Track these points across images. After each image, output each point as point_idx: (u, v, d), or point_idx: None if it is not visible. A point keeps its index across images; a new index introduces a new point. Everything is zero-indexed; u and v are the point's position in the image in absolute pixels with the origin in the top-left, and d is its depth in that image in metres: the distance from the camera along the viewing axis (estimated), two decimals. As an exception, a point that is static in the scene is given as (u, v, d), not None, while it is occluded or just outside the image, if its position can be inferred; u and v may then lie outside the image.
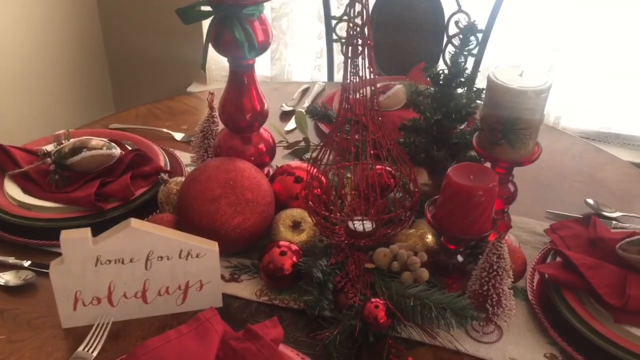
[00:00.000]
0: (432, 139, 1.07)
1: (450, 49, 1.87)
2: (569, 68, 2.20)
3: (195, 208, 0.96)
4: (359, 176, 0.95)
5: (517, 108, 0.89)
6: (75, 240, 0.83)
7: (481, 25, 1.73)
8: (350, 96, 0.90)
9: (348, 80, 0.89)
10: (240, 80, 1.05)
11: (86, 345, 0.86)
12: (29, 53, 2.32)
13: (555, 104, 2.26)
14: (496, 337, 0.90)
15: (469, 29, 1.02)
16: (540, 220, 1.14)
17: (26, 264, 0.98)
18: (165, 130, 1.37)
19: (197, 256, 0.88)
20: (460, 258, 0.95)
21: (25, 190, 1.10)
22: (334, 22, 1.82)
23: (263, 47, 1.01)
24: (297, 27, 2.55)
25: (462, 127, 1.12)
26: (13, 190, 1.10)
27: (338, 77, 2.03)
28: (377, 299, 0.86)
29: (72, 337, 0.88)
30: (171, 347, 0.77)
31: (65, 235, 0.83)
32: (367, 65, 0.89)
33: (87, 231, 0.84)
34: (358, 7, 0.87)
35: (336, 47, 1.88)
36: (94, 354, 0.85)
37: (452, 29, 1.81)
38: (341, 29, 1.84)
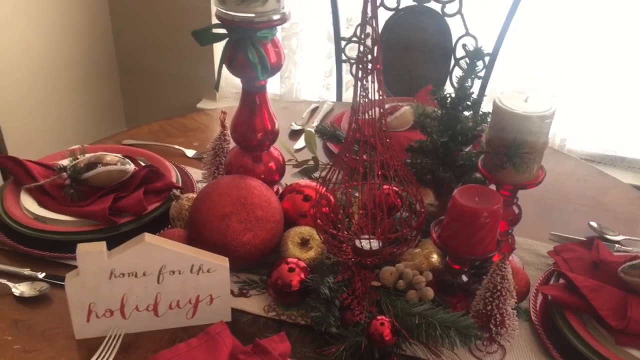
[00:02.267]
0: (439, 160, 1.09)
1: (457, 71, 1.91)
2: (575, 91, 2.23)
3: (207, 224, 0.98)
4: (366, 195, 0.98)
5: (521, 132, 0.91)
6: (91, 254, 0.86)
7: (488, 48, 1.78)
8: (359, 117, 0.93)
9: (357, 101, 0.92)
10: (253, 101, 1.08)
11: (98, 357, 0.88)
12: (42, 68, 2.36)
13: (561, 126, 2.29)
14: (499, 357, 0.92)
15: (475, 54, 1.04)
16: (545, 242, 1.16)
17: (41, 275, 1.01)
18: (176, 146, 1.40)
19: (207, 271, 0.91)
20: (464, 278, 0.97)
21: (41, 204, 1.13)
22: (343, 42, 1.87)
23: (275, 69, 1.04)
24: (307, 46, 2.59)
25: (468, 149, 1.14)
26: (29, 203, 1.13)
27: (347, 96, 2.06)
28: (383, 317, 0.88)
29: (85, 348, 0.90)
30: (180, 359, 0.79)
31: (82, 248, 0.86)
32: (376, 87, 0.91)
33: (103, 245, 0.86)
34: (368, 29, 0.89)
35: (345, 67, 1.92)
36: (106, 365, 0.87)
37: (460, 52, 1.85)
38: (350, 50, 1.88)
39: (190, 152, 1.38)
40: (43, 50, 2.35)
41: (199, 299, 0.93)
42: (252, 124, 1.09)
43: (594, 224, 1.20)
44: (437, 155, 1.10)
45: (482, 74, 1.80)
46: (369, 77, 0.91)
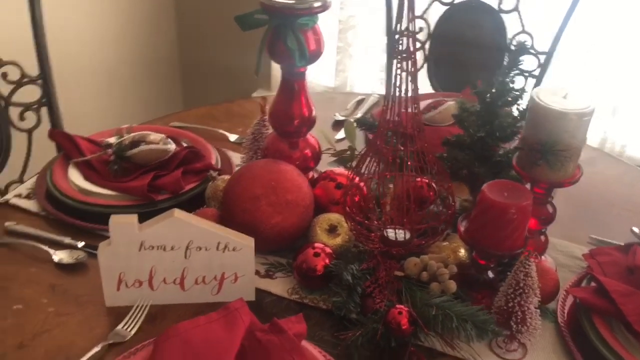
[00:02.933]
0: (475, 155, 1.08)
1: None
2: (637, 96, 2.14)
3: (237, 205, 1.01)
4: (399, 187, 0.98)
5: (557, 129, 0.89)
6: (123, 225, 0.89)
7: (544, 47, 1.73)
8: (391, 107, 0.93)
9: (391, 91, 0.92)
10: (291, 87, 1.09)
11: (125, 324, 0.92)
12: (109, 53, 2.45)
13: (621, 132, 2.20)
14: (520, 355, 0.90)
15: (519, 50, 1.02)
16: (582, 245, 1.13)
17: (80, 244, 1.06)
18: (220, 130, 1.43)
19: (233, 249, 0.93)
20: (490, 274, 0.96)
21: (87, 178, 1.18)
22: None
23: (314, 57, 1.05)
24: (363, 40, 2.59)
25: (506, 146, 1.12)
26: (75, 176, 1.19)
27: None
28: (402, 306, 0.88)
29: (114, 315, 0.94)
30: (199, 332, 0.82)
31: (115, 219, 0.89)
32: (409, 78, 0.91)
33: (134, 217, 0.90)
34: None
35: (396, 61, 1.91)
36: (132, 332, 0.91)
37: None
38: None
39: (233, 137, 1.41)
40: (111, 38, 2.43)
41: (224, 276, 0.95)
42: (290, 111, 1.10)
43: (636, 229, 1.16)
44: (473, 150, 1.09)
45: (536, 72, 1.76)
46: (404, 67, 0.91)
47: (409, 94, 0.91)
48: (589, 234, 1.16)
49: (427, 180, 1.08)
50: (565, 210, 1.24)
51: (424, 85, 2.04)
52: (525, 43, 1.03)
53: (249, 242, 0.94)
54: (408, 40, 0.88)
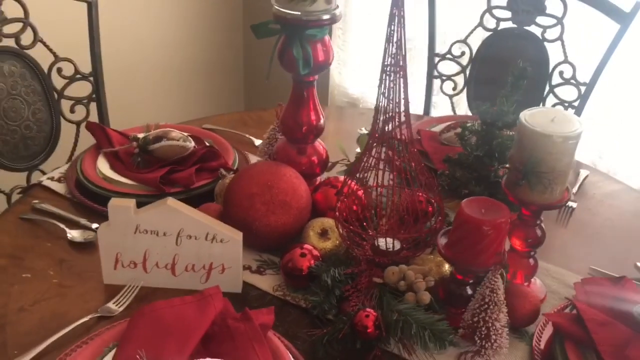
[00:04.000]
0: (473, 175, 1.09)
1: (551, 99, 1.85)
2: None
3: (234, 201, 1.06)
4: (398, 199, 1.01)
5: (539, 151, 0.90)
6: (120, 207, 0.97)
7: (586, 77, 1.71)
8: (381, 119, 0.96)
9: (380, 103, 0.95)
10: (300, 95, 1.15)
11: (116, 301, 0.99)
12: (178, 52, 2.57)
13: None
14: (485, 373, 0.90)
15: (520, 74, 1.03)
16: (582, 275, 1.11)
17: (94, 226, 1.14)
18: (247, 135, 1.50)
19: (221, 241, 0.99)
20: (469, 290, 0.96)
21: (112, 167, 1.28)
22: (436, 59, 1.88)
23: (322, 67, 1.10)
24: (420, 63, 2.61)
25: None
26: (103, 165, 1.28)
27: (434, 112, 2.06)
28: (371, 310, 0.91)
29: (110, 291, 1.01)
30: (173, 311, 0.88)
31: (113, 202, 0.97)
32: (401, 89, 0.94)
33: (132, 202, 0.97)
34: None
35: (436, 83, 1.93)
36: (120, 309, 0.98)
37: (556, 79, 1.79)
38: (442, 66, 1.89)
39: (258, 142, 1.48)
40: (182, 37, 2.55)
41: (212, 266, 1.01)
42: (299, 117, 1.16)
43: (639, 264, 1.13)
44: (472, 169, 1.10)
45: (576, 103, 1.73)
46: (395, 80, 0.94)
47: (398, 106, 0.94)
48: (591, 265, 1.14)
49: (425, 195, 1.10)
50: (573, 238, 1.23)
51: (463, 107, 2.05)
52: (528, 68, 1.03)
53: (236, 235, 0.99)
54: (397, 52, 0.91)
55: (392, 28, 0.90)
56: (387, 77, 0.93)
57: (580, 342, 0.90)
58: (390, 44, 0.91)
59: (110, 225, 0.98)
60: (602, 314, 0.92)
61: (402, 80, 0.93)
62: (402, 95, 0.95)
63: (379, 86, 0.94)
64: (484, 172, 1.07)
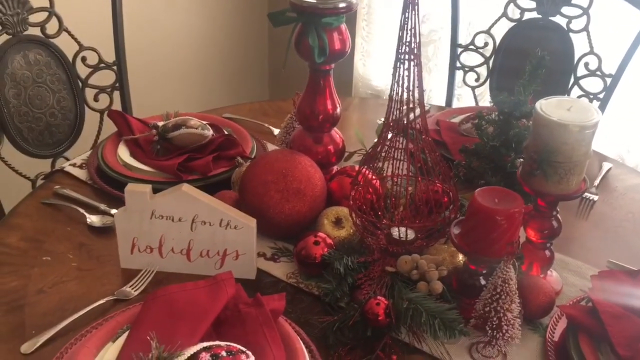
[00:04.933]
0: (490, 165, 1.08)
1: (576, 90, 1.82)
2: None
3: (249, 189, 1.07)
4: (418, 188, 1.01)
5: (555, 140, 0.89)
6: (136, 193, 0.98)
7: (611, 69, 1.68)
8: (395, 108, 0.96)
9: (394, 91, 0.95)
10: (317, 83, 1.15)
11: (132, 284, 1.01)
12: (202, 42, 2.59)
13: None
14: (497, 363, 0.90)
15: (538, 63, 1.01)
16: (600, 268, 1.09)
17: (113, 212, 1.16)
18: (267, 125, 1.51)
19: (235, 227, 0.99)
20: (482, 281, 0.96)
21: (132, 154, 1.30)
22: (459, 49, 1.87)
23: (338, 56, 1.10)
24: (444, 54, 2.59)
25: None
26: (123, 152, 1.30)
27: (458, 105, 2.04)
28: (382, 298, 0.91)
29: (126, 276, 1.03)
30: (185, 295, 0.89)
31: (130, 187, 0.99)
32: (415, 78, 0.94)
33: (148, 187, 0.99)
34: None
35: (458, 74, 1.91)
36: (136, 293, 0.99)
37: (581, 70, 1.77)
38: (465, 58, 1.87)
39: (276, 131, 1.48)
40: (194, 31, 2.56)
41: (227, 252, 1.02)
42: (315, 106, 1.16)
43: (660, 258, 1.10)
44: (490, 160, 1.09)
45: (601, 95, 1.70)
46: (408, 69, 0.93)
47: (412, 93, 0.93)
48: (610, 259, 1.12)
49: (441, 185, 1.09)
50: (593, 231, 1.21)
51: (486, 99, 2.02)
52: (546, 56, 1.02)
53: (250, 222, 1.00)
54: (411, 40, 0.91)
55: (407, 15, 0.89)
56: (402, 65, 0.93)
57: (595, 335, 0.89)
58: (405, 32, 0.90)
59: (127, 210, 1.00)
60: (617, 307, 0.90)
61: (416, 68, 0.93)
62: (417, 84, 0.94)
63: (393, 74, 0.94)
64: (500, 162, 1.06)
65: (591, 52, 1.70)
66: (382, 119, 1.54)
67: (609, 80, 1.68)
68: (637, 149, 1.90)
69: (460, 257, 1.01)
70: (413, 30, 0.91)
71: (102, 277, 1.03)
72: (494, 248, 0.89)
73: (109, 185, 1.23)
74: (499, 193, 0.90)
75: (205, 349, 0.76)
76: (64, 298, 0.98)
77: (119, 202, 1.19)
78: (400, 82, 0.94)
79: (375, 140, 1.43)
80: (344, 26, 1.10)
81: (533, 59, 1.02)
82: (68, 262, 1.06)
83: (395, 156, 1.02)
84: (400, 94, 0.94)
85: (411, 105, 0.95)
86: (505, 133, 1.05)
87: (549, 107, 0.91)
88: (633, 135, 1.88)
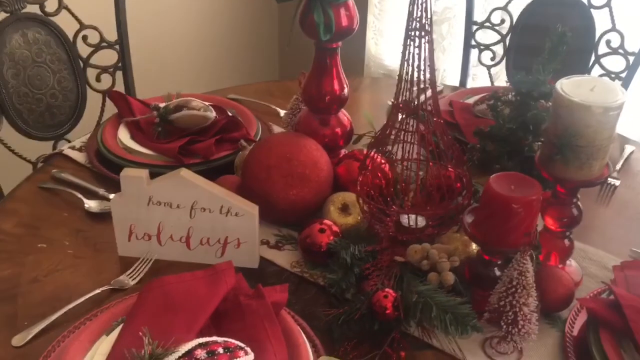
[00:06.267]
0: (506, 149, 1.02)
1: (597, 69, 1.74)
2: None
3: (252, 173, 1.02)
4: (429, 174, 0.95)
5: (578, 123, 0.83)
6: (133, 178, 0.94)
7: (635, 47, 1.60)
8: (404, 88, 0.90)
9: (404, 70, 0.89)
10: (324, 63, 1.09)
11: (130, 273, 0.96)
12: (209, 20, 2.52)
13: None
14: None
15: (559, 40, 0.95)
16: (622, 257, 1.03)
17: (111, 197, 1.12)
18: (273, 106, 1.45)
19: (236, 215, 0.95)
20: (497, 272, 0.90)
21: (133, 137, 1.25)
22: (474, 27, 1.79)
23: (345, 33, 1.04)
24: (459, 33, 2.51)
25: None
26: (123, 134, 1.26)
27: (471, 83, 1.97)
28: (390, 290, 0.86)
29: (124, 264, 0.99)
30: (183, 286, 0.84)
31: (125, 172, 0.94)
32: (426, 56, 0.88)
33: (144, 172, 0.94)
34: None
35: (473, 53, 1.83)
36: (133, 282, 0.95)
37: (603, 48, 1.69)
38: (481, 35, 1.80)
39: (283, 112, 1.43)
40: (197, 8, 2.50)
41: (228, 240, 0.97)
42: (321, 86, 1.10)
43: (686, 248, 1.04)
44: (505, 143, 1.03)
45: (623, 74, 1.63)
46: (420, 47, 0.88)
47: (423, 74, 0.88)
48: (633, 247, 1.06)
49: (454, 170, 1.04)
50: (614, 218, 1.15)
51: (502, 79, 1.95)
52: (568, 32, 0.95)
53: (252, 209, 0.95)
54: (422, 17, 0.85)
55: (418, -12, 0.83)
56: (412, 43, 0.87)
57: (617, 330, 0.83)
58: (415, 6, 0.84)
59: (123, 196, 0.95)
60: (641, 301, 0.85)
61: (427, 45, 0.87)
62: (428, 62, 0.88)
63: (403, 52, 0.88)
64: (517, 146, 1.00)
65: (613, 28, 1.62)
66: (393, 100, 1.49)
67: (631, 58, 1.60)
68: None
69: (474, 246, 0.95)
70: (424, 4, 0.85)
71: (99, 265, 0.99)
72: (510, 238, 0.84)
73: (108, 169, 1.19)
74: (516, 179, 0.85)
75: (201, 345, 0.71)
76: (59, 287, 0.94)
77: (118, 187, 1.13)
78: (411, 61, 0.88)
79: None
80: (351, 2, 1.04)
81: (554, 35, 0.96)
82: (64, 250, 1.02)
83: (406, 139, 0.97)
84: (410, 73, 0.89)
85: (422, 86, 0.89)
86: (523, 115, 0.99)
87: (570, 87, 0.85)
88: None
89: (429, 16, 0.85)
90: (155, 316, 0.81)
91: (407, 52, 0.88)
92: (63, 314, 0.88)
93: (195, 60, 2.56)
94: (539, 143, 0.99)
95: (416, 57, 0.88)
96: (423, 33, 0.86)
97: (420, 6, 0.84)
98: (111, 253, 1.01)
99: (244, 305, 0.83)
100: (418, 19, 0.86)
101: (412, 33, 0.86)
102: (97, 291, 0.92)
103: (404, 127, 0.94)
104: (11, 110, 1.41)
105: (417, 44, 0.87)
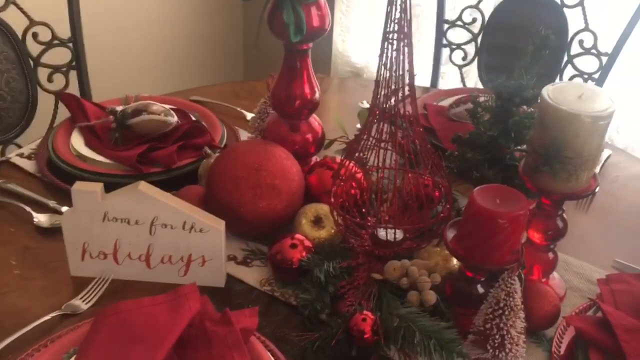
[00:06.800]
0: (486, 157, 0.97)
1: (569, 70, 1.71)
2: None
3: (218, 184, 0.95)
4: (404, 183, 0.90)
5: (566, 133, 0.78)
6: (85, 193, 0.86)
7: (608, 47, 1.57)
8: (382, 93, 0.84)
9: (381, 75, 0.83)
10: (293, 65, 1.02)
11: (83, 296, 0.88)
12: (170, 16, 2.42)
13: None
14: (498, 384, 0.80)
15: (542, 43, 0.90)
16: (605, 269, 1.00)
17: (64, 209, 1.03)
18: (239, 108, 1.38)
19: (200, 231, 0.87)
20: (480, 289, 0.85)
21: (88, 143, 1.16)
22: (445, 25, 1.74)
23: (316, 34, 0.98)
24: (429, 31, 2.46)
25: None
26: (77, 141, 1.17)
27: (442, 83, 1.93)
28: (369, 312, 0.80)
29: (77, 285, 0.91)
30: (142, 313, 0.77)
31: (78, 186, 0.86)
32: (405, 60, 0.82)
33: (99, 186, 0.86)
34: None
35: (444, 52, 1.79)
36: (87, 306, 0.87)
37: (575, 49, 1.66)
38: (452, 34, 1.75)
39: (250, 115, 1.35)
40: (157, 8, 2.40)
41: (191, 258, 0.90)
42: (291, 90, 1.03)
43: (670, 258, 1.01)
44: (485, 151, 0.98)
45: (596, 75, 1.60)
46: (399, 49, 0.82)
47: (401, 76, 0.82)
48: (616, 258, 1.02)
49: (431, 178, 0.98)
50: (595, 226, 1.12)
51: (472, 78, 1.91)
52: (551, 36, 0.91)
53: (218, 225, 0.88)
54: (401, 16, 0.79)
55: (396, -13, 0.77)
56: (390, 46, 0.81)
57: (607, 350, 0.79)
58: (394, 7, 0.78)
59: (76, 211, 0.87)
60: (631, 318, 0.81)
61: (406, 49, 0.81)
62: (407, 67, 0.82)
63: (380, 56, 0.82)
64: (498, 153, 0.95)
65: (586, 28, 1.59)
66: (365, 102, 1.43)
67: (604, 59, 1.58)
68: (628, 130, 1.81)
69: (455, 261, 0.90)
70: (403, 4, 0.79)
71: (49, 287, 0.91)
72: (496, 254, 0.79)
73: (60, 179, 1.10)
74: (501, 192, 0.79)
75: (162, 382, 0.64)
76: (4, 312, 0.86)
77: (71, 199, 1.06)
78: (388, 65, 0.82)
79: (358, 126, 1.32)
80: (322, 0, 0.97)
81: (536, 38, 0.91)
82: (10, 270, 0.93)
83: (382, 146, 0.91)
84: (388, 78, 0.83)
85: (401, 93, 0.83)
86: (504, 121, 0.94)
87: (557, 93, 0.80)
88: (625, 115, 1.79)
89: (408, 18, 0.79)
90: (111, 347, 0.73)
91: (384, 55, 0.81)
92: (8, 343, 0.80)
93: (154, 59, 2.45)
94: (521, 151, 0.95)
95: (394, 61, 0.81)
96: (402, 35, 0.80)
97: (399, 7, 0.78)
98: (63, 273, 0.92)
99: (210, 332, 0.76)
100: (396, 21, 0.80)
101: (390, 36, 0.80)
102: (47, 317, 0.84)
103: (379, 135, 0.88)
104: (-46, 112, 1.30)
105: (395, 47, 0.81)
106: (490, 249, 0.79)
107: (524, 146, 0.97)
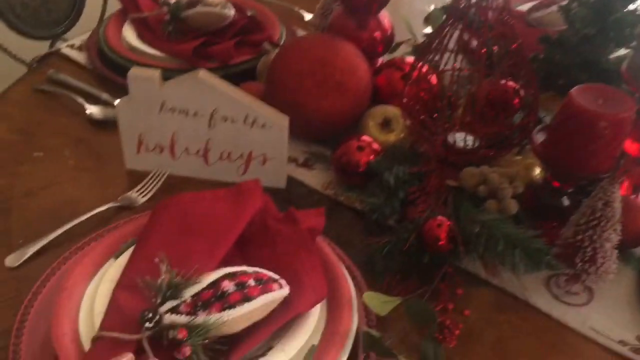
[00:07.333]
0: (578, 60, 0.87)
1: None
2: None
3: (280, 80, 0.88)
4: (481, 87, 0.81)
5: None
6: (143, 79, 0.80)
7: None
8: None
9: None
10: (366, -50, 0.93)
11: (139, 189, 0.84)
12: None
13: None
14: (582, 301, 0.74)
15: None
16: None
17: (116, 102, 0.98)
18: (296, 8, 1.29)
19: (262, 126, 0.81)
20: (566, 201, 0.78)
21: (140, 36, 1.10)
22: None
23: None
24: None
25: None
26: (129, 34, 1.10)
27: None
28: (444, 218, 0.73)
29: (132, 178, 0.86)
30: (203, 206, 0.72)
31: (134, 71, 0.80)
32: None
33: (157, 72, 0.80)
34: None
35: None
36: (143, 199, 0.83)
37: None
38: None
39: (308, 16, 1.27)
40: None
41: (252, 155, 0.84)
42: (361, -21, 0.94)
43: None
44: (577, 53, 0.88)
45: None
46: None
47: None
48: None
49: (513, 84, 0.89)
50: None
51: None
52: None
53: (282, 120, 0.82)
54: None
55: None
56: None
57: None
58: None
59: (131, 100, 0.82)
60: None
61: None
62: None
63: None
64: (593, 56, 0.86)
65: None
66: (433, 6, 1.32)
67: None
68: None
69: (537, 171, 0.82)
70: None
71: (104, 179, 0.87)
72: (592, 162, 0.71)
73: (112, 71, 1.04)
74: (603, 92, 0.71)
75: (228, 275, 0.60)
76: (59, 202, 0.82)
77: (123, 92, 1.00)
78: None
79: (426, 30, 1.22)
80: None
81: None
82: (63, 160, 0.89)
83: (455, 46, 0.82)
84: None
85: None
86: (603, 19, 0.83)
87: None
88: None
89: None
90: (171, 240, 0.69)
91: None
92: (63, 232, 0.76)
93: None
94: (619, 55, 0.85)
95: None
96: None
97: None
98: (117, 166, 0.88)
99: (274, 231, 0.71)
100: None
101: None
102: (103, 208, 0.80)
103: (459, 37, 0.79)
104: (1, 2, 1.25)
105: None
106: (586, 156, 0.71)
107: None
